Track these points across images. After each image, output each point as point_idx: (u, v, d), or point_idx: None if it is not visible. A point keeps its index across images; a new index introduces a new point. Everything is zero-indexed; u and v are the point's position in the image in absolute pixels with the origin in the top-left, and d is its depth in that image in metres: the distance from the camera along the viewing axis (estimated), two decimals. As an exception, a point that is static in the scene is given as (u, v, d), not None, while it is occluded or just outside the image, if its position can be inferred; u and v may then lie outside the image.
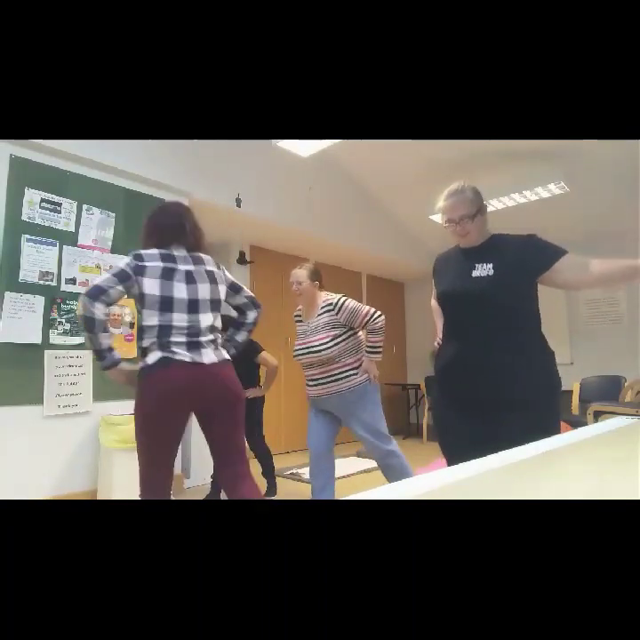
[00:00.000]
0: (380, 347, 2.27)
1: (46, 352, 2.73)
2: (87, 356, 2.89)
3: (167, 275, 1.66)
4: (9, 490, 2.51)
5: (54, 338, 2.75)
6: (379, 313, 2.27)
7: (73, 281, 2.90)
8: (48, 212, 2.83)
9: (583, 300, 5.27)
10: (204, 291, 1.72)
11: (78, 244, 2.94)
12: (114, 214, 3.13)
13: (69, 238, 2.91)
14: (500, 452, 0.81)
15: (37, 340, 2.70)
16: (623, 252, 5.50)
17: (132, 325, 3.15)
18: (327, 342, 2.24)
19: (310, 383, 2.35)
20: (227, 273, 1.89)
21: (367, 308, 2.28)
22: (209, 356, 1.66)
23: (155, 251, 1.68)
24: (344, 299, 2.30)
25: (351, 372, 2.25)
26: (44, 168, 2.84)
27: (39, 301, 2.73)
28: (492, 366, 1.47)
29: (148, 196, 3.34)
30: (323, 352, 2.23)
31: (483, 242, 1.58)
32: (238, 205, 3.92)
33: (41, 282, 2.76)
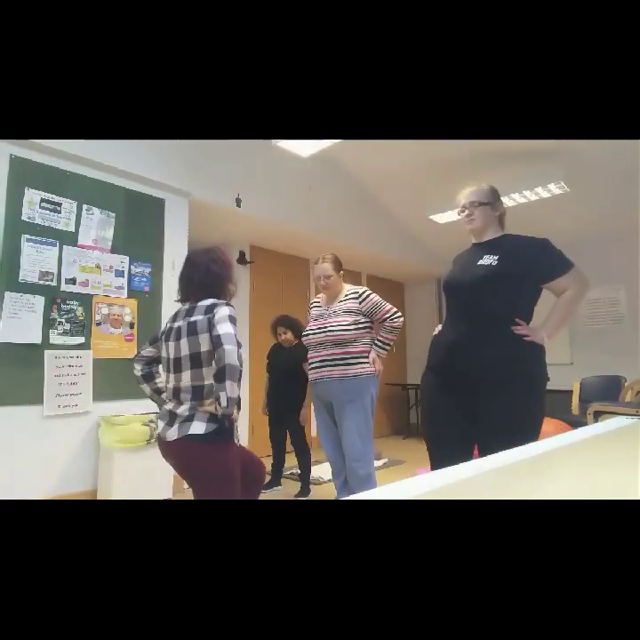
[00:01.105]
0: (389, 345, 2.31)
1: (46, 352, 2.73)
2: (87, 356, 2.89)
3: (166, 335, 1.73)
4: (9, 490, 2.51)
5: (54, 338, 2.75)
6: (400, 313, 2.33)
7: (73, 281, 2.90)
8: (48, 212, 2.83)
9: (583, 300, 5.27)
10: (183, 346, 1.63)
11: (78, 244, 2.95)
12: (114, 214, 3.13)
13: (69, 238, 2.91)
14: (499, 453, 0.81)
15: (37, 339, 2.70)
16: (623, 252, 5.49)
17: (131, 325, 3.15)
18: (346, 324, 2.27)
19: (315, 364, 2.35)
20: (218, 315, 1.59)
21: (390, 305, 2.34)
22: (172, 430, 1.61)
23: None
24: (370, 291, 2.37)
25: (359, 360, 2.26)
26: (44, 168, 2.84)
27: (39, 301, 2.73)
28: (471, 345, 1.59)
29: (148, 196, 3.34)
30: (339, 332, 2.26)
31: (493, 238, 1.71)
32: (238, 205, 3.92)
33: (41, 282, 2.76)
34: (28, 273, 2.72)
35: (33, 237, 2.76)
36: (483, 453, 1.55)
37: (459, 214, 1.77)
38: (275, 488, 3.37)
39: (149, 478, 2.74)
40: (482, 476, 0.67)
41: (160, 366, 1.81)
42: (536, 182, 4.21)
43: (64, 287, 2.85)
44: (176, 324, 1.70)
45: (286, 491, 3.35)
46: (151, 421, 2.93)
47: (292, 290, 5.32)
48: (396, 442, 5.75)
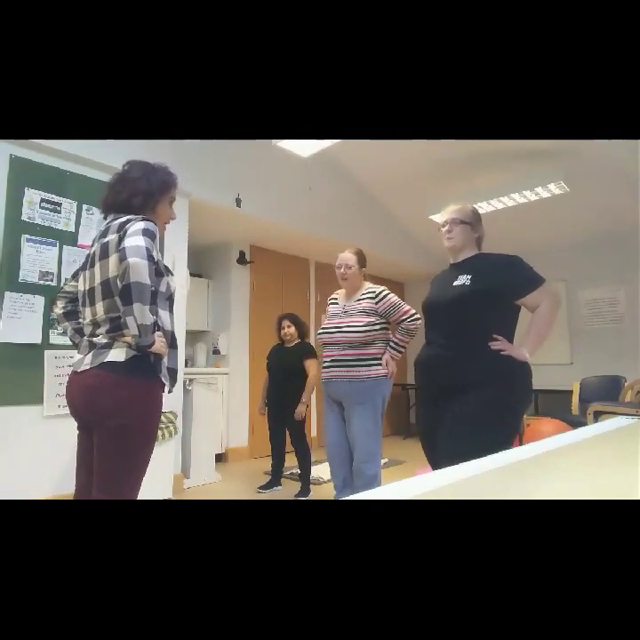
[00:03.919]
0: (404, 347, 2.29)
1: (46, 352, 2.72)
2: (87, 355, 2.89)
3: (84, 264, 1.48)
4: (9, 490, 2.51)
5: (54, 338, 2.75)
6: (418, 315, 2.27)
7: (73, 281, 2.90)
8: (48, 212, 2.83)
9: (583, 300, 5.28)
10: (96, 273, 1.39)
11: (78, 244, 2.94)
12: (114, 214, 3.13)
13: (69, 238, 2.91)
14: (500, 452, 0.81)
15: (37, 340, 2.70)
16: (623, 252, 5.48)
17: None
18: (361, 325, 2.23)
19: (327, 364, 2.33)
20: (131, 229, 1.31)
21: (408, 306, 2.31)
22: (86, 359, 1.38)
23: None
24: (388, 291, 2.34)
25: (372, 362, 2.24)
26: (44, 168, 2.84)
27: (39, 301, 2.73)
28: (452, 358, 1.65)
29: (148, 195, 3.34)
30: (354, 334, 2.23)
31: (468, 257, 1.77)
32: (238, 205, 3.92)
33: (41, 282, 2.76)
34: (28, 273, 2.72)
35: (33, 237, 2.75)
36: (437, 458, 1.61)
37: (439, 230, 1.83)
38: (275, 488, 3.37)
39: (149, 478, 2.74)
40: (482, 475, 0.67)
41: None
42: (536, 182, 4.21)
43: (64, 287, 2.85)
44: (92, 249, 1.44)
45: (286, 491, 3.36)
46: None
47: (292, 290, 5.32)
48: (396, 442, 5.75)
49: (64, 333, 1.61)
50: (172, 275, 1.48)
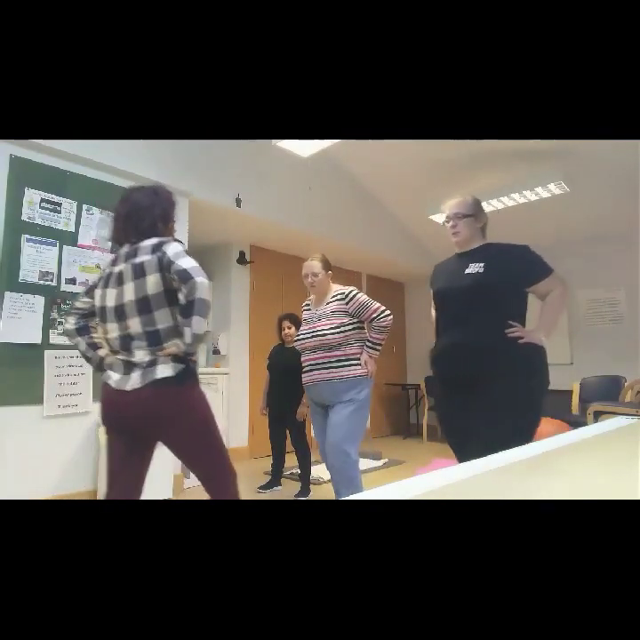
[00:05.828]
0: (380, 344, 2.28)
1: (46, 352, 2.73)
2: (87, 355, 2.89)
3: (104, 282, 1.56)
4: (9, 490, 2.51)
5: (54, 338, 2.76)
6: (388, 312, 2.28)
7: (73, 281, 2.90)
8: (48, 212, 2.83)
9: (583, 300, 5.27)
10: (128, 291, 1.47)
11: (78, 243, 2.95)
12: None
13: (69, 238, 2.91)
14: (499, 452, 0.81)
15: (37, 340, 2.70)
16: (623, 252, 5.47)
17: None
18: (332, 328, 2.24)
19: (306, 368, 2.34)
20: (172, 251, 1.42)
21: (378, 304, 2.30)
22: (133, 379, 1.43)
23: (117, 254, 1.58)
24: (356, 291, 2.33)
25: (349, 362, 2.23)
26: (44, 168, 2.84)
27: (39, 301, 2.73)
28: (475, 347, 1.66)
29: (148, 196, 3.33)
30: (326, 336, 2.24)
31: (477, 246, 1.79)
32: (238, 205, 3.92)
33: (41, 282, 2.76)
34: (28, 273, 2.72)
35: (33, 237, 2.76)
36: (472, 445, 1.62)
37: (443, 224, 1.84)
38: (275, 488, 3.37)
39: (149, 478, 2.74)
40: (482, 475, 0.67)
41: (96, 319, 1.59)
42: (536, 182, 4.21)
43: (64, 287, 2.85)
44: (116, 269, 1.51)
45: (286, 491, 3.36)
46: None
47: (292, 290, 5.32)
48: (396, 442, 5.76)
49: (74, 347, 1.65)
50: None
